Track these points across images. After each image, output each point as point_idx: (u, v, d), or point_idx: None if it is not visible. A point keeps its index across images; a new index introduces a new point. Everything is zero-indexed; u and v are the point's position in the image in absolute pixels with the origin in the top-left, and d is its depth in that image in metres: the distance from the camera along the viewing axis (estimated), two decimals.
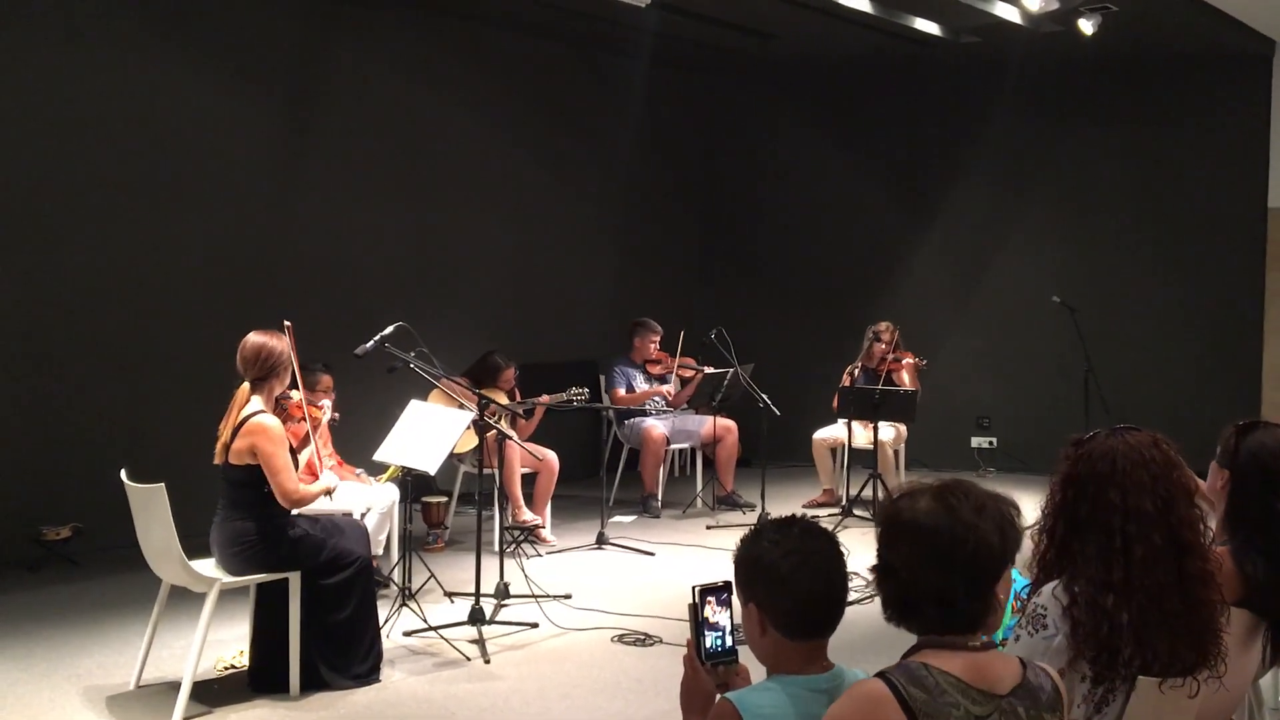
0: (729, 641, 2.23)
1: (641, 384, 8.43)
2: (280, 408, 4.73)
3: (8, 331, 6.61)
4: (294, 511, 4.80)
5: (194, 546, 4.54)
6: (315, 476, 4.92)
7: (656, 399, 8.47)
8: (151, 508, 4.41)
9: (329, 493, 4.80)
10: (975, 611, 1.97)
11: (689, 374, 8.51)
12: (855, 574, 5.94)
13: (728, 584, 2.21)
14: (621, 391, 8.32)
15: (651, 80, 9.74)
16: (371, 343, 5.30)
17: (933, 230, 10.29)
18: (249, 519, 4.52)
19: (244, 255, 7.51)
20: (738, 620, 2.22)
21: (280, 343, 4.63)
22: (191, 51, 7.26)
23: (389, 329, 5.35)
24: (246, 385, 4.59)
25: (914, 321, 8.53)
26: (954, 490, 1.98)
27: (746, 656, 2.24)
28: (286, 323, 4.73)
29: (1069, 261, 9.84)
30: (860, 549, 6.51)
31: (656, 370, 8.53)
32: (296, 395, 4.88)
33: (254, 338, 4.62)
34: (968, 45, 9.04)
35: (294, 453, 4.70)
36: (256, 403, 4.54)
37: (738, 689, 2.17)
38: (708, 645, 2.21)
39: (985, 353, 10.05)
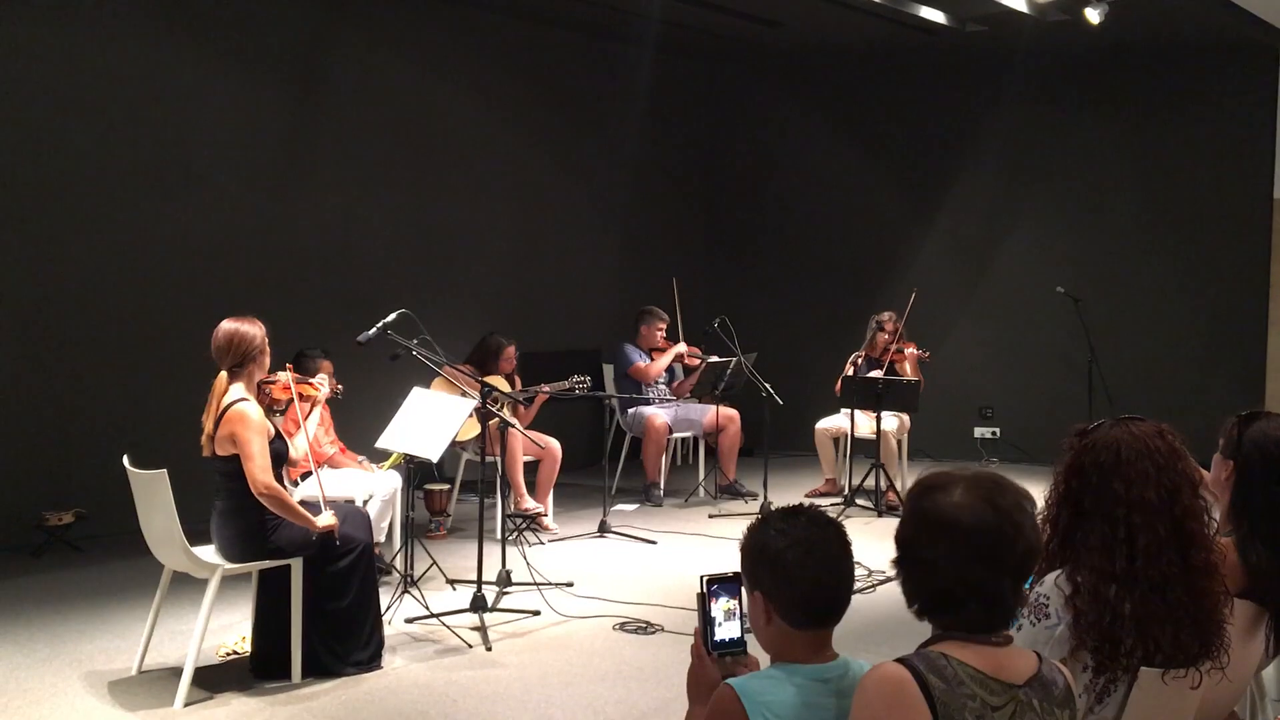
0: (737, 632, 2.22)
1: None
2: (263, 393, 4.69)
3: (12, 318, 6.61)
4: (298, 497, 4.80)
5: (196, 532, 4.54)
6: (317, 459, 4.89)
7: (660, 387, 8.45)
8: (154, 494, 4.41)
9: (330, 531, 4.60)
10: (1013, 606, 1.98)
11: (694, 363, 8.51)
12: (860, 564, 5.97)
13: (737, 575, 2.20)
14: (641, 364, 8.26)
15: (656, 67, 9.72)
16: (374, 330, 5.30)
17: (937, 219, 10.27)
18: (246, 509, 4.49)
19: (247, 242, 7.50)
20: (746, 611, 2.21)
21: (254, 328, 4.56)
22: (194, 38, 7.25)
23: (392, 316, 5.34)
24: (224, 374, 4.53)
25: (918, 311, 8.52)
26: (990, 485, 1.96)
27: (755, 648, 2.24)
28: (288, 365, 4.73)
29: (1073, 252, 9.82)
30: (863, 539, 6.49)
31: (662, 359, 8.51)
32: (283, 377, 4.83)
33: (225, 325, 4.56)
34: (974, 34, 9.01)
35: (282, 438, 4.67)
36: (237, 390, 4.49)
37: None
38: (715, 635, 2.20)
39: (989, 342, 10.04)
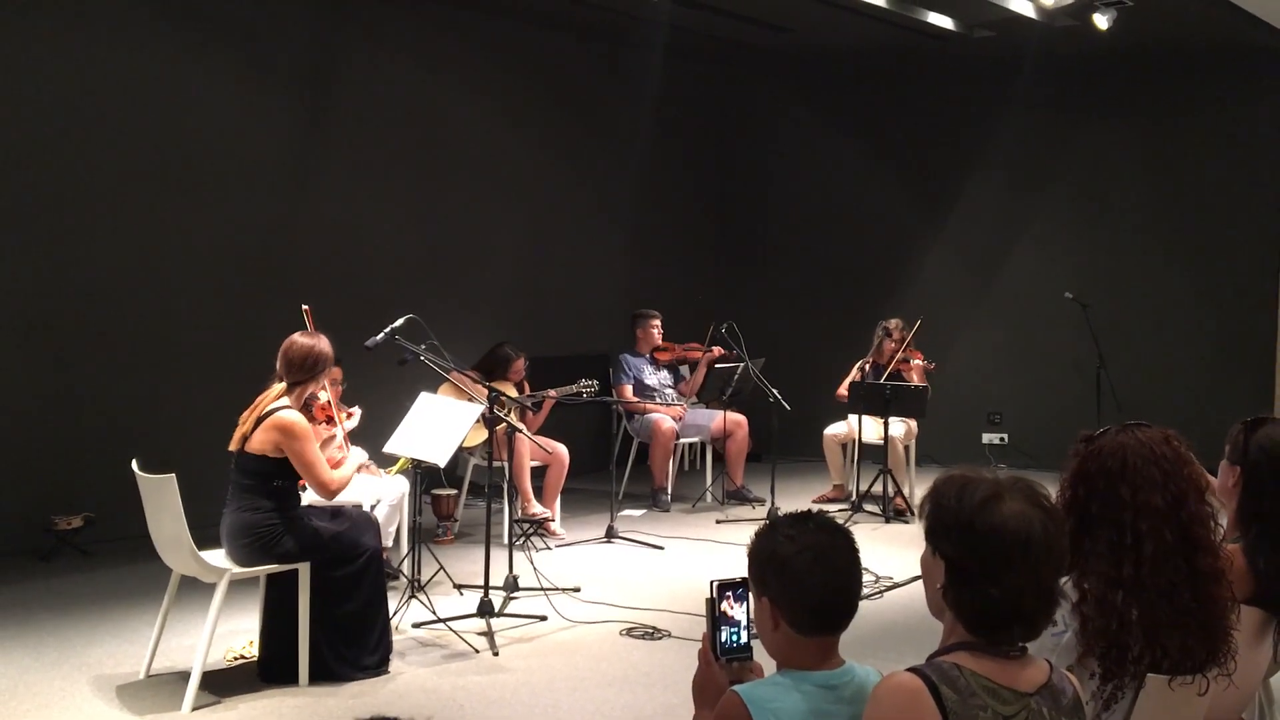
0: (744, 638, 2.22)
1: (649, 376, 8.41)
2: (307, 409, 4.73)
3: (22, 322, 6.63)
4: (306, 501, 4.82)
5: (204, 537, 4.55)
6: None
7: (668, 392, 8.45)
8: (162, 498, 4.42)
9: (363, 468, 4.94)
10: (1045, 624, 1.97)
11: (696, 356, 8.52)
12: (868, 570, 5.97)
13: (745, 580, 2.20)
14: (629, 389, 8.29)
15: (664, 72, 9.73)
16: (382, 335, 5.31)
17: (945, 225, 10.27)
18: (259, 511, 4.52)
19: (256, 247, 7.53)
20: (754, 617, 2.21)
21: (326, 346, 4.67)
22: (205, 43, 7.28)
23: (400, 321, 5.35)
24: (282, 386, 4.59)
25: (926, 316, 8.51)
26: (1032, 489, 1.94)
27: (761, 654, 2.24)
28: (305, 307, 4.70)
29: (1082, 257, 9.81)
30: (870, 544, 6.50)
31: (665, 358, 8.52)
32: (324, 397, 4.90)
33: (302, 340, 4.62)
34: (981, 40, 9.01)
35: None
36: (285, 400, 4.56)
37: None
38: (723, 640, 2.20)
39: (997, 348, 10.03)
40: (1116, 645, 2.35)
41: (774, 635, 2.13)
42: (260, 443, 4.49)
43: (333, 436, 5.08)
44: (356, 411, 5.42)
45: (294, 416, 4.51)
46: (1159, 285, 9.62)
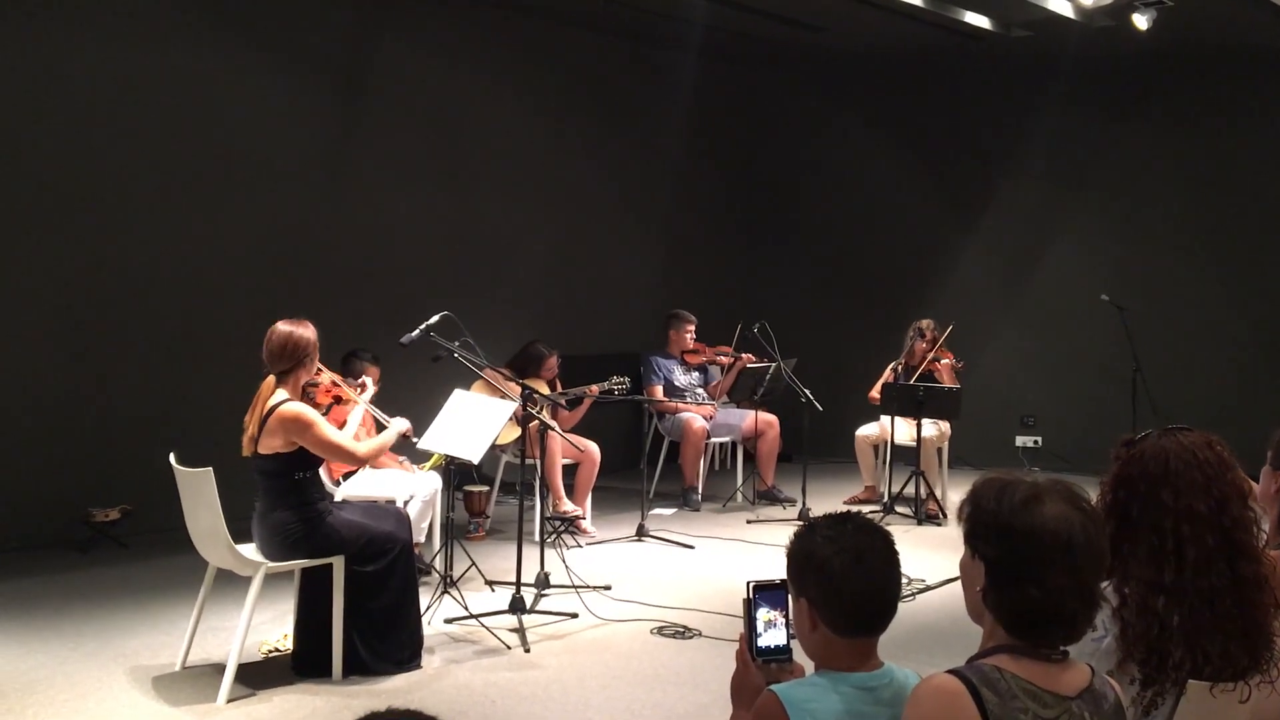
0: (782, 639, 2.21)
1: (679, 376, 8.40)
2: (308, 396, 4.71)
3: (61, 317, 6.71)
4: (339, 497, 4.84)
5: (240, 530, 4.59)
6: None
7: (698, 392, 8.43)
8: (199, 491, 4.46)
9: (408, 436, 5.02)
10: (1086, 627, 1.96)
11: (726, 361, 8.50)
12: (902, 572, 5.93)
13: (783, 581, 2.19)
14: (659, 389, 8.28)
15: (698, 72, 9.73)
16: (417, 331, 5.34)
17: (980, 226, 10.21)
18: (286, 509, 4.54)
19: (291, 243, 7.58)
20: (792, 618, 2.20)
21: (308, 330, 4.62)
22: (239, 43, 7.33)
23: (434, 318, 5.38)
24: (272, 378, 4.57)
25: (959, 318, 8.46)
26: (1072, 491, 1.93)
27: (800, 655, 2.23)
28: (322, 368, 4.74)
29: (1118, 260, 9.73)
30: (903, 546, 6.44)
31: (695, 360, 8.51)
32: (327, 378, 4.86)
33: (281, 328, 4.59)
34: (1019, 39, 8.94)
35: None
36: (281, 394, 4.52)
37: None
38: (760, 642, 2.20)
39: (1031, 351, 9.96)
40: (1157, 651, 2.32)
41: (812, 636, 2.13)
42: (270, 443, 4.48)
43: (344, 420, 5.04)
44: (368, 382, 5.37)
45: (295, 408, 4.47)
46: (1196, 287, 9.52)
